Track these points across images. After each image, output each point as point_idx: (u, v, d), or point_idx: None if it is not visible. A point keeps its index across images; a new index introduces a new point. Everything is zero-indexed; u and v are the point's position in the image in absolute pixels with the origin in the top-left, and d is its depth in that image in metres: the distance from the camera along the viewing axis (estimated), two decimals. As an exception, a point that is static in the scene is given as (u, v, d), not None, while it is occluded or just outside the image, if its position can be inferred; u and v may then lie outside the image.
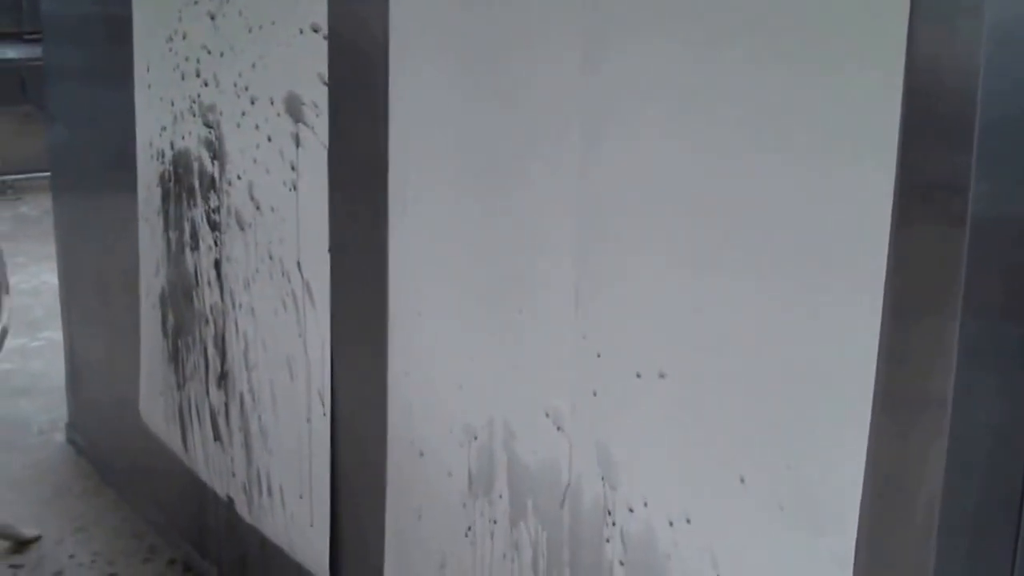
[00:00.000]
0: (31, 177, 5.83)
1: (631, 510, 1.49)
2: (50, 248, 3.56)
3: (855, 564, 1.23)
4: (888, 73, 1.12)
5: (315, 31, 1.98)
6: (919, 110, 1.11)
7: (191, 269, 2.53)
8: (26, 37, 6.86)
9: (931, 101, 1.11)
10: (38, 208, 5.27)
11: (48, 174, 3.58)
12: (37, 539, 2.95)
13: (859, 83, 1.16)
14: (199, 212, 2.46)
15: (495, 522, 1.74)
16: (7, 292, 1.53)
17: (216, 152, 2.36)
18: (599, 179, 1.47)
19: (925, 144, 1.12)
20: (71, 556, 2.90)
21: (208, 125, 2.37)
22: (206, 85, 2.36)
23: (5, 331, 1.51)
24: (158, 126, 2.59)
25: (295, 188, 2.10)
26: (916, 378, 1.16)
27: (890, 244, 1.15)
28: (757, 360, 1.31)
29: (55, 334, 3.66)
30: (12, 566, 2.85)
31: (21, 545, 2.92)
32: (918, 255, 1.14)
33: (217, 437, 2.52)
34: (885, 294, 1.16)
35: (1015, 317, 1.13)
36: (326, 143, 1.99)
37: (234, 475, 2.47)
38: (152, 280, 2.73)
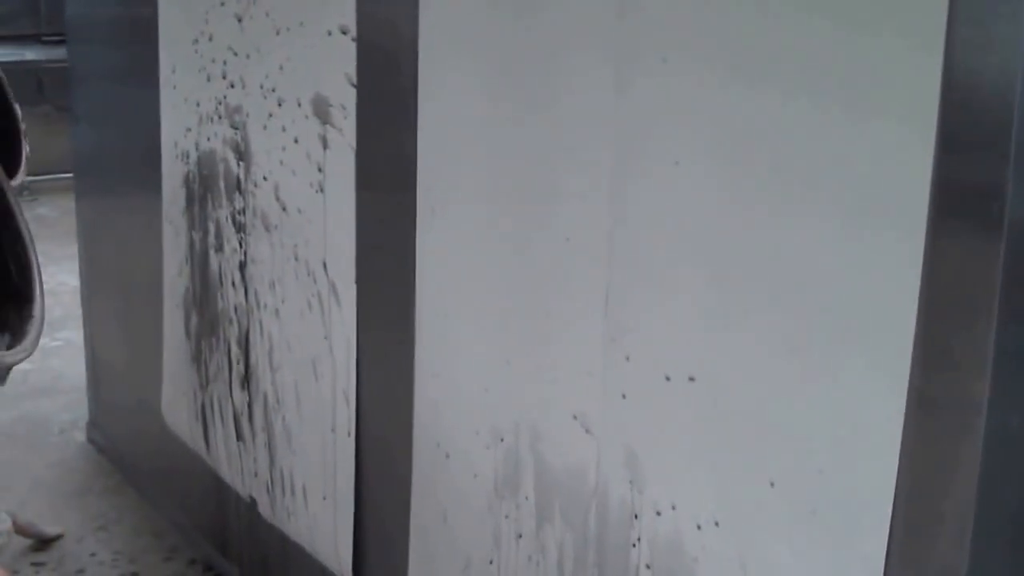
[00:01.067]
0: (48, 179, 5.85)
1: (659, 513, 1.49)
2: (68, 249, 3.58)
3: (887, 570, 1.23)
4: (925, 77, 1.12)
5: (343, 33, 1.98)
6: (956, 114, 1.11)
7: (215, 270, 2.54)
8: (44, 39, 6.90)
9: (968, 105, 1.11)
10: (56, 209, 5.30)
11: (65, 175, 3.59)
12: (59, 537, 2.96)
13: (895, 84, 1.16)
14: (224, 213, 2.46)
15: (521, 524, 1.74)
16: (40, 282, 1.55)
17: (242, 153, 2.37)
18: (630, 187, 1.47)
19: (961, 147, 1.12)
20: (92, 554, 2.91)
21: (234, 127, 2.38)
22: (232, 87, 2.37)
23: (41, 322, 1.52)
24: (183, 127, 2.61)
25: (322, 190, 2.10)
26: (951, 381, 1.16)
27: (926, 246, 1.15)
28: (788, 363, 1.30)
29: (73, 334, 3.68)
30: (35, 564, 2.87)
31: (43, 543, 2.93)
32: (954, 257, 1.14)
33: (240, 437, 2.53)
34: (920, 296, 1.16)
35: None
36: (354, 145, 2.00)
37: (256, 475, 2.48)
38: (175, 281, 2.74)
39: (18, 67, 6.47)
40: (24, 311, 1.52)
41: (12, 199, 1.59)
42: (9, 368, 1.44)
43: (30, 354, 1.48)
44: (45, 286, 1.67)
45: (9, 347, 1.44)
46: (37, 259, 1.56)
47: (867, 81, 1.19)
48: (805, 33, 1.24)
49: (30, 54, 6.79)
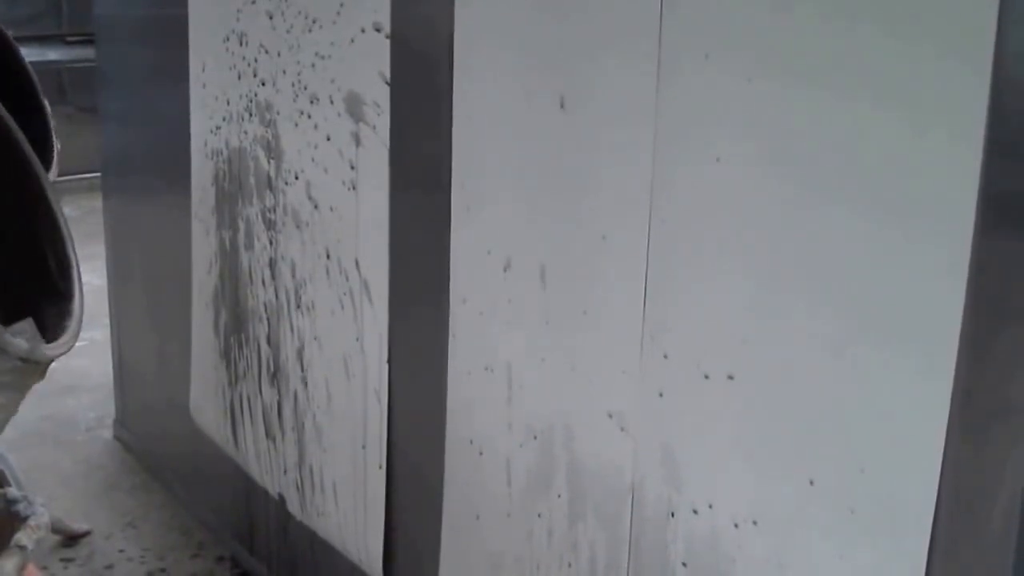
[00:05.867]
0: (70, 179, 5.89)
1: (696, 512, 1.49)
2: (91, 249, 3.57)
3: (929, 570, 1.22)
4: (974, 78, 1.12)
5: (377, 30, 1.98)
6: (1004, 116, 1.11)
7: (245, 268, 2.54)
8: (68, 39, 6.93)
9: (1016, 107, 1.10)
10: (78, 209, 5.32)
11: (86, 175, 3.60)
12: (87, 534, 2.98)
13: (943, 83, 1.16)
14: (254, 211, 2.47)
15: (553, 523, 1.73)
16: (79, 278, 1.56)
17: (273, 151, 2.37)
18: (670, 184, 1.46)
19: (1009, 149, 1.11)
20: (121, 551, 2.92)
21: (265, 124, 2.39)
22: (263, 84, 2.38)
23: (81, 317, 1.53)
24: (213, 125, 2.61)
25: (354, 187, 2.10)
26: (996, 382, 1.16)
27: (972, 248, 1.14)
28: (830, 362, 1.30)
29: (98, 333, 3.69)
30: (64, 559, 2.88)
31: (71, 539, 2.95)
32: (1000, 257, 1.14)
33: (269, 435, 2.53)
34: (966, 297, 1.16)
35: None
36: (387, 142, 2.00)
37: (286, 473, 2.49)
38: (204, 278, 2.75)
39: (41, 67, 6.48)
40: (64, 307, 1.53)
41: (52, 196, 1.60)
42: (49, 362, 1.45)
43: (70, 348, 1.48)
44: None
45: (49, 342, 1.45)
46: (76, 255, 1.56)
47: (914, 81, 1.18)
48: (850, 32, 1.23)
49: (53, 54, 6.83)
